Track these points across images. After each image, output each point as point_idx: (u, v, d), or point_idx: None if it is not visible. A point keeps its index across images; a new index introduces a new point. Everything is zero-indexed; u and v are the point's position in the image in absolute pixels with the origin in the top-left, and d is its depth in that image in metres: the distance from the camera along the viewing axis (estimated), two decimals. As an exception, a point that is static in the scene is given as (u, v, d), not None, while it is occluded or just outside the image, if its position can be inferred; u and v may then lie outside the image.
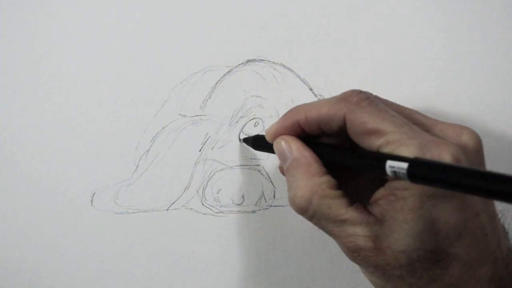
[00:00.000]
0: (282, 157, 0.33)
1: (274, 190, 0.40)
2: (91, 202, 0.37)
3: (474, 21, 0.42)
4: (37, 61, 0.36)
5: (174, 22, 0.38)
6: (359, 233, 0.29)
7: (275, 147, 0.34)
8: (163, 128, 0.38)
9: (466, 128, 0.31)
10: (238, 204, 0.40)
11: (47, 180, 0.37)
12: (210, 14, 0.38)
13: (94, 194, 0.37)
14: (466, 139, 0.30)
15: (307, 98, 0.40)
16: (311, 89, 0.40)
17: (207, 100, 0.38)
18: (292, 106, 0.39)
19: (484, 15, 0.42)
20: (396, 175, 0.26)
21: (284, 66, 0.39)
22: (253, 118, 0.39)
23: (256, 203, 0.40)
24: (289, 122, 0.33)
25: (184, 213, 0.39)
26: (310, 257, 0.40)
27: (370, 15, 0.41)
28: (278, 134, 0.33)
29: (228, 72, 0.38)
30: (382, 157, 0.27)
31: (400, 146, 0.27)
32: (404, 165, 0.25)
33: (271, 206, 0.40)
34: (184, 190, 0.39)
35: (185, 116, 0.38)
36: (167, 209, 0.39)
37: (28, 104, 0.36)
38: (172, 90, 0.38)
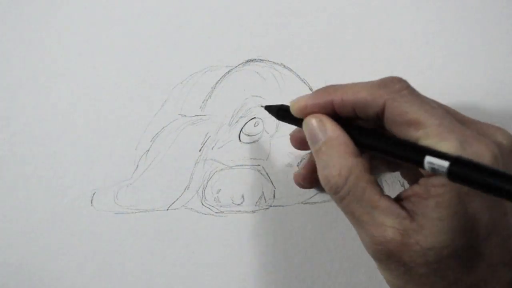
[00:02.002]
0: (313, 137, 0.31)
1: (274, 190, 0.40)
2: (91, 202, 0.37)
3: (475, 20, 0.42)
4: (37, 61, 0.36)
5: (174, 22, 0.38)
6: (389, 224, 0.28)
7: (305, 125, 0.32)
8: (163, 128, 0.38)
9: (500, 128, 0.31)
10: (238, 204, 0.40)
11: (47, 180, 0.37)
12: (210, 14, 0.38)
13: (94, 194, 0.37)
14: (501, 138, 0.30)
15: (307, 98, 0.40)
16: (311, 89, 0.40)
17: (207, 100, 0.38)
18: (292, 106, 0.39)
19: (485, 14, 0.42)
20: (434, 171, 0.25)
21: (284, 66, 0.39)
22: (253, 118, 0.39)
23: (256, 203, 0.40)
24: (322, 101, 0.31)
25: (184, 213, 0.39)
26: (310, 257, 0.40)
27: (370, 15, 0.41)
28: (307, 110, 0.32)
29: (228, 72, 0.38)
30: (422, 150, 0.26)
31: (441, 141, 0.27)
32: (445, 163, 0.25)
33: (271, 206, 0.40)
34: (184, 190, 0.39)
35: (185, 116, 0.38)
36: (167, 209, 0.39)
37: (28, 104, 0.36)
38: (172, 90, 0.38)
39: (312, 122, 0.32)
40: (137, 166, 0.38)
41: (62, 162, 0.37)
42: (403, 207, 0.28)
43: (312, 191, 0.40)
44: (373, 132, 0.31)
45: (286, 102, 0.40)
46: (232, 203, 0.40)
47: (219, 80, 0.38)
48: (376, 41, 0.41)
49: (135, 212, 0.38)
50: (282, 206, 0.40)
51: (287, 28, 0.39)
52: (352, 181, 0.29)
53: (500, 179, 0.23)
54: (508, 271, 0.28)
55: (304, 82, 0.40)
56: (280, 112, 0.36)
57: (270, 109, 0.37)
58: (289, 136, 0.38)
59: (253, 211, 0.40)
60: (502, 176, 0.23)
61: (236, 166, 0.39)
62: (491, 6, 0.42)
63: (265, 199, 0.40)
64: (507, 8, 0.42)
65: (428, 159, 0.25)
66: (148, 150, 0.38)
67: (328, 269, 0.40)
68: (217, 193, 0.39)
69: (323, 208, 0.39)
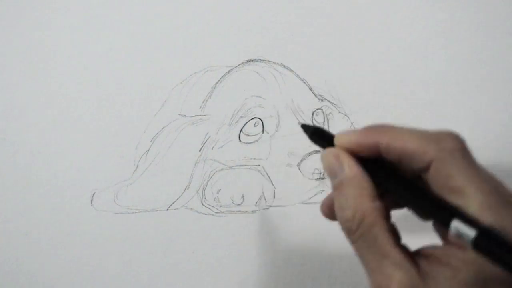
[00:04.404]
0: (331, 172, 0.31)
1: (274, 190, 0.40)
2: (91, 202, 0.37)
3: (475, 21, 0.42)
4: (37, 61, 0.36)
5: (174, 23, 0.38)
6: (396, 277, 0.27)
7: (323, 158, 0.31)
8: (163, 128, 0.38)
9: None
10: (238, 204, 0.40)
11: (47, 180, 0.37)
12: (210, 14, 0.38)
13: (94, 194, 0.37)
14: None
15: (307, 98, 0.40)
16: (311, 89, 0.40)
17: (207, 100, 0.38)
18: (292, 106, 0.40)
19: (485, 15, 0.42)
20: (459, 238, 0.24)
21: (284, 66, 0.39)
22: (253, 118, 0.39)
23: (256, 203, 0.40)
24: (368, 141, 0.30)
25: (184, 213, 0.39)
26: (310, 257, 0.40)
27: (370, 15, 0.41)
28: (348, 146, 0.30)
29: (228, 72, 0.38)
30: (451, 211, 0.25)
31: (478, 217, 0.25)
32: (472, 232, 0.24)
33: (271, 206, 0.40)
34: (184, 190, 0.39)
35: (185, 116, 0.38)
36: (167, 209, 0.39)
37: (28, 104, 0.36)
38: (172, 90, 0.38)
39: (329, 156, 0.30)
40: (137, 166, 0.38)
41: (62, 162, 0.37)
42: (416, 264, 0.27)
43: (312, 191, 0.40)
44: (401, 178, 0.29)
45: (286, 101, 0.40)
46: (232, 203, 0.40)
47: (219, 80, 0.38)
48: (376, 41, 0.41)
49: (135, 212, 0.38)
50: (282, 206, 0.40)
51: (287, 28, 0.39)
52: (366, 226, 0.28)
53: None
54: None
55: (304, 82, 0.40)
56: (315, 135, 0.33)
57: (306, 128, 0.34)
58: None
59: (253, 211, 0.40)
60: None
61: (236, 166, 0.39)
62: (492, 6, 0.42)
63: (265, 199, 0.40)
64: (508, 7, 0.42)
65: (455, 223, 0.24)
66: (148, 150, 0.38)
67: (328, 269, 0.40)
68: (217, 193, 0.39)
69: (323, 208, 0.39)
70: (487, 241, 0.23)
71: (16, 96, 0.36)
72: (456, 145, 0.28)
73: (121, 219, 0.38)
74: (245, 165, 0.39)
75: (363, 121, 0.41)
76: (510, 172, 0.44)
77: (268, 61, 0.39)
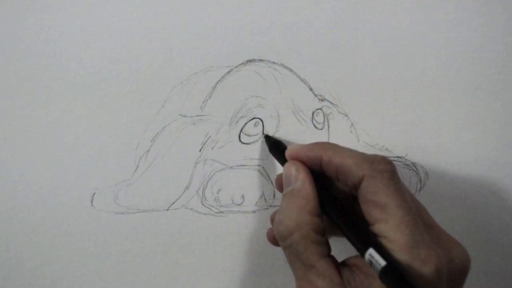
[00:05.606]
0: (287, 181, 0.33)
1: (274, 190, 0.40)
2: (91, 202, 0.37)
3: (475, 21, 0.42)
4: (37, 61, 0.36)
5: (174, 22, 0.38)
6: (319, 285, 0.30)
7: (284, 169, 0.34)
8: (163, 128, 0.38)
9: (460, 245, 0.31)
10: (238, 204, 0.40)
11: (47, 180, 0.37)
12: (210, 14, 0.38)
13: (94, 194, 0.37)
14: (456, 255, 0.30)
15: (307, 98, 0.40)
16: (311, 89, 0.40)
17: (207, 100, 0.38)
18: (292, 106, 0.40)
19: (485, 15, 0.42)
20: (371, 264, 0.27)
21: (284, 66, 0.39)
22: (253, 118, 0.39)
23: (256, 203, 0.40)
24: (312, 154, 0.33)
25: (184, 213, 0.39)
26: (310, 257, 0.40)
27: (370, 15, 0.41)
28: (296, 157, 0.34)
29: (228, 72, 0.38)
30: (367, 242, 0.28)
31: (395, 231, 0.28)
32: (382, 262, 0.27)
33: (271, 206, 0.40)
34: (184, 190, 0.39)
35: (185, 116, 0.38)
36: (167, 209, 0.39)
37: (28, 104, 0.36)
38: (172, 90, 0.38)
39: (290, 168, 0.33)
40: (137, 166, 0.38)
41: (62, 162, 0.37)
42: (340, 274, 0.30)
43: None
44: (337, 203, 0.32)
45: (286, 101, 0.40)
46: (232, 203, 0.40)
47: (219, 80, 0.38)
48: (376, 41, 0.41)
49: (135, 212, 0.38)
50: (282, 206, 0.40)
51: (287, 28, 0.39)
52: (296, 237, 0.31)
53: None
54: None
55: (304, 82, 0.40)
56: (274, 146, 0.38)
57: (268, 139, 0.39)
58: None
59: (253, 211, 0.40)
60: None
61: (236, 166, 0.39)
62: (493, 6, 0.42)
63: (265, 199, 0.40)
64: (507, 8, 0.42)
65: (370, 251, 0.28)
66: (148, 150, 0.38)
67: (328, 269, 0.40)
68: (217, 193, 0.39)
69: (323, 208, 0.39)
70: (391, 275, 0.26)
71: (16, 96, 0.36)
72: (386, 168, 0.30)
73: (121, 219, 0.38)
74: (245, 165, 0.39)
75: (363, 121, 0.41)
76: (510, 171, 0.44)
77: (268, 61, 0.39)
